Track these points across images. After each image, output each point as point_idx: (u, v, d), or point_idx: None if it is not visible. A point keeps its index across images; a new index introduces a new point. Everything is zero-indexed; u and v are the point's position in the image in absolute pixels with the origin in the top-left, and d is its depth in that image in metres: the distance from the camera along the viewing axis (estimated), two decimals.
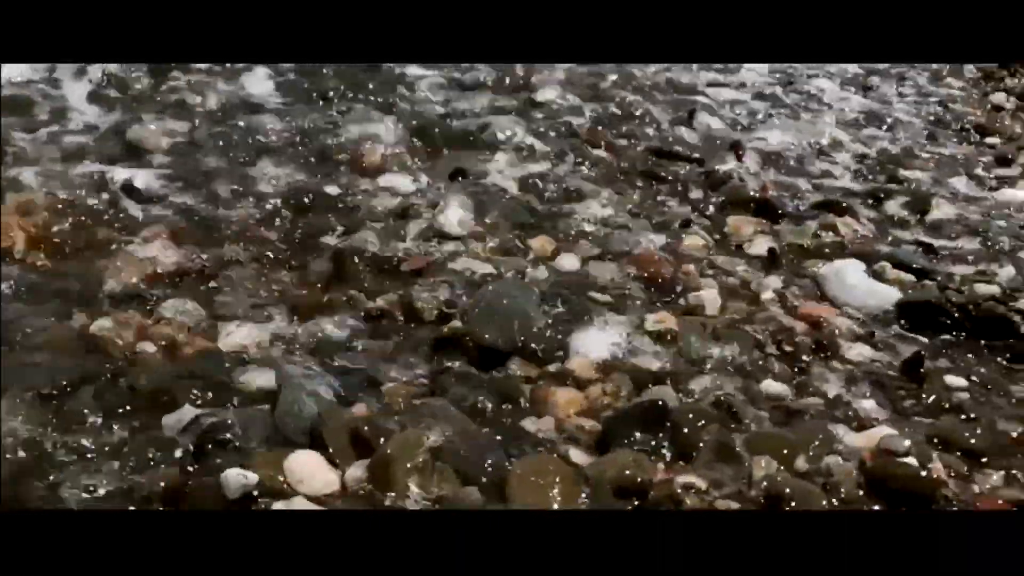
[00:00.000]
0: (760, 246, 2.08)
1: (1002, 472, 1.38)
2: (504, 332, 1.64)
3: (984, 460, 1.42)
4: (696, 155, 2.56)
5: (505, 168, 2.39)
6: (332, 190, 2.22)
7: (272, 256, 1.97)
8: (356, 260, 1.92)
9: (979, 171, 2.57)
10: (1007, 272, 1.96)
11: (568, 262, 1.98)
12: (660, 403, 1.47)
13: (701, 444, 1.40)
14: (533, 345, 1.65)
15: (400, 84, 2.90)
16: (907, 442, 1.39)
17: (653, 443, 1.41)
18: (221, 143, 2.43)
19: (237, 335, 1.69)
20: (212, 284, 1.85)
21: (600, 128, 2.69)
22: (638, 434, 1.42)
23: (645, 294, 1.86)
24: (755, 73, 3.27)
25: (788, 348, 1.70)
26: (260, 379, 1.53)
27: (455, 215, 2.08)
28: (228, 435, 1.38)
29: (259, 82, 2.82)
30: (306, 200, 2.19)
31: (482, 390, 1.52)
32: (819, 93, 3.18)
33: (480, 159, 2.44)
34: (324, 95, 2.77)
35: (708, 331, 1.73)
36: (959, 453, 1.41)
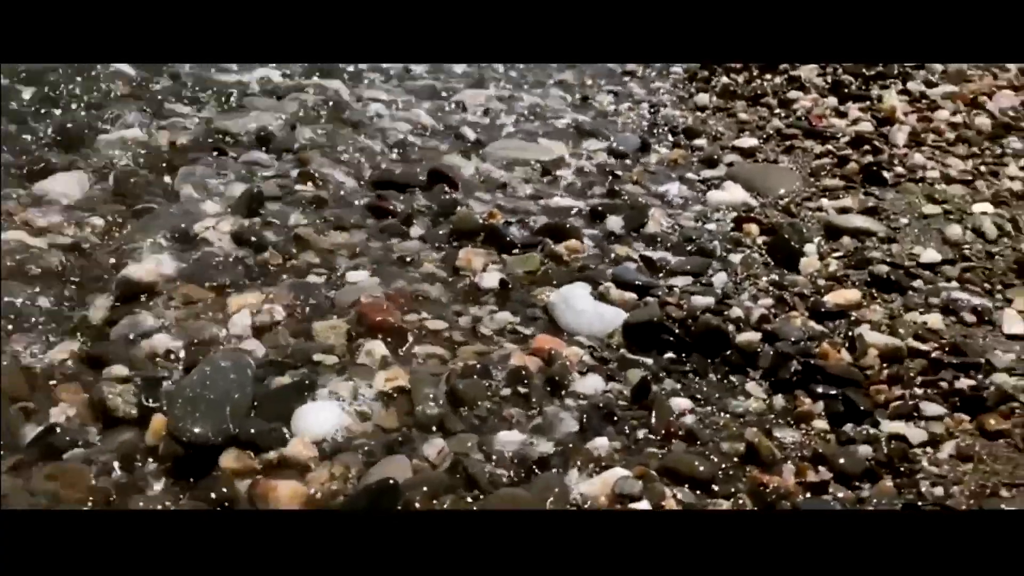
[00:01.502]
0: (492, 278, 2.02)
1: (730, 499, 1.40)
2: (212, 422, 1.45)
3: (714, 488, 1.43)
4: (421, 179, 2.47)
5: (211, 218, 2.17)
6: None
7: None
8: None
9: (690, 175, 2.67)
10: (720, 278, 2.03)
11: (287, 322, 1.82)
12: (391, 482, 1.35)
13: None
14: (251, 431, 1.47)
15: None
16: (639, 485, 1.36)
17: None
18: None
19: None
20: None
21: (314, 162, 2.54)
22: None
23: (376, 349, 1.74)
24: (474, 89, 3.26)
25: (523, 389, 1.65)
26: None
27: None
28: None
29: None
30: None
31: (185, 503, 1.33)
32: (539, 108, 3.20)
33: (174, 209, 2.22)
34: None
35: (443, 382, 1.64)
36: (687, 485, 1.42)
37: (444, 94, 3.27)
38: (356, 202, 2.37)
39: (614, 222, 2.29)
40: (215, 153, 2.55)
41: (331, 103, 3.00)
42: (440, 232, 2.21)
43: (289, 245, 2.10)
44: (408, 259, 2.10)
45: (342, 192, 2.42)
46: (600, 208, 2.35)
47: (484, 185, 2.52)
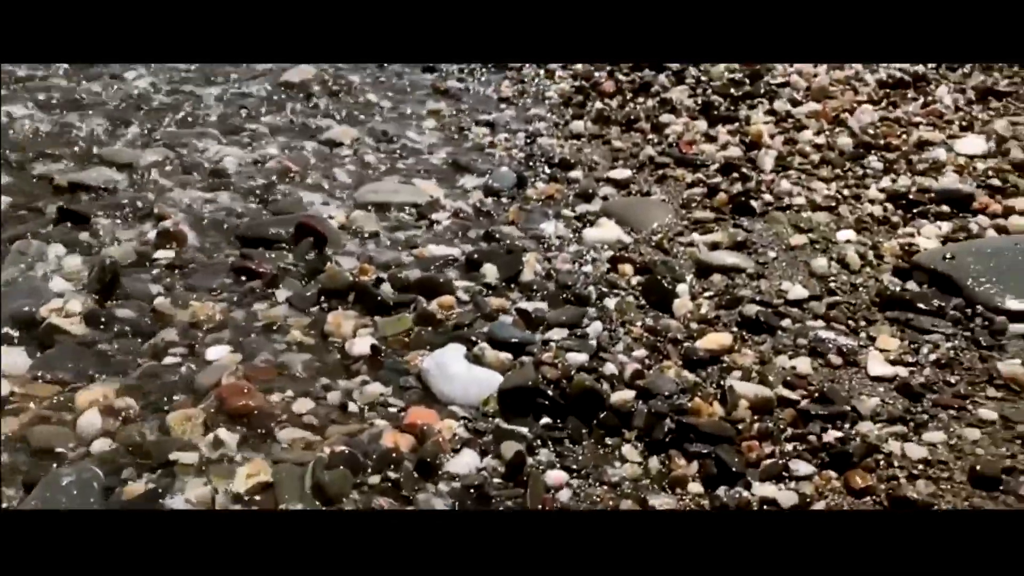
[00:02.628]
0: (363, 344, 1.93)
1: None
2: None
3: None
4: (289, 233, 2.36)
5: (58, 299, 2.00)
6: None
7: None
8: None
9: (566, 211, 2.64)
10: (595, 328, 2.00)
11: (141, 415, 1.69)
12: None
13: None
14: None
15: None
16: None
17: None
18: None
19: None
20: None
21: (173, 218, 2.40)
22: None
23: (235, 441, 1.63)
24: (344, 126, 3.16)
25: (394, 475, 1.57)
26: None
27: None
28: None
29: None
30: None
31: None
32: (413, 143, 3.12)
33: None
34: None
35: (308, 474, 1.55)
36: None
37: (314, 132, 3.16)
38: (221, 261, 2.25)
39: (490, 271, 2.22)
40: (58, 215, 2.37)
41: (189, 149, 2.85)
42: (309, 293, 2.11)
43: (146, 322, 1.96)
44: (274, 327, 1.99)
45: (204, 252, 2.28)
46: (475, 256, 2.28)
47: (355, 235, 2.42)
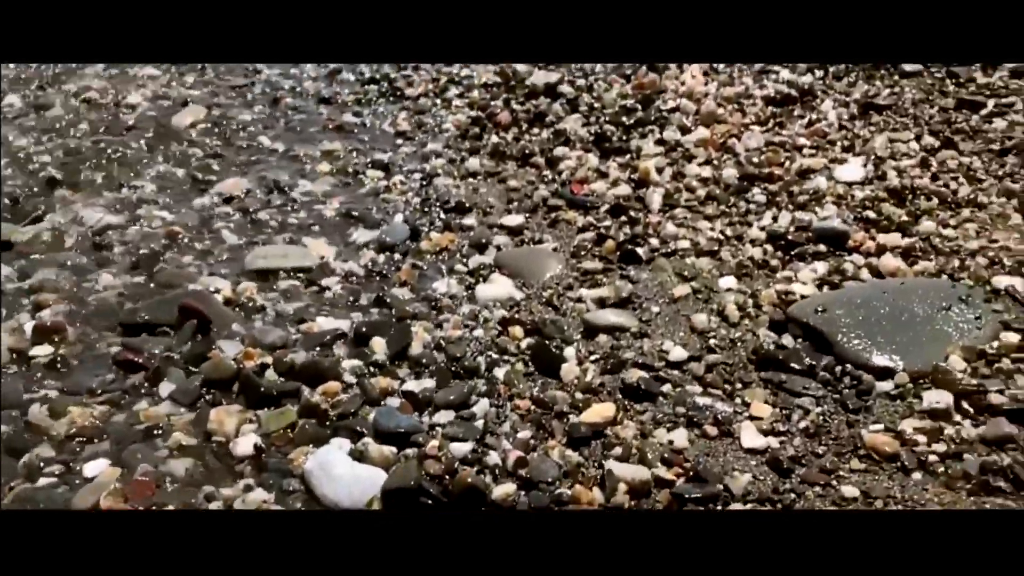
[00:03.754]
0: (246, 444, 1.89)
1: None
2: None
3: None
4: (173, 315, 2.29)
5: None
6: None
7: None
8: None
9: (459, 265, 2.61)
10: (482, 406, 1.99)
11: None
12: None
13: None
14: None
15: None
16: None
17: None
18: None
19: None
20: None
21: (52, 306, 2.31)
22: None
23: None
24: (235, 178, 3.07)
25: None
26: None
27: None
28: None
29: None
30: None
31: None
32: (306, 192, 3.05)
33: None
34: None
35: None
36: None
37: (203, 185, 3.07)
38: (103, 353, 2.17)
39: (378, 345, 2.19)
40: None
41: (67, 218, 2.74)
42: (192, 386, 2.06)
43: (21, 437, 1.89)
44: (156, 430, 1.94)
45: (86, 344, 2.20)
46: (364, 329, 2.25)
47: (241, 312, 2.36)
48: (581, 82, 3.84)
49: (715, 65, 4.09)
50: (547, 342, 2.21)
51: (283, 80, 4.16)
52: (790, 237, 2.61)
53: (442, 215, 2.92)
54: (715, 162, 3.15)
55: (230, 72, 4.20)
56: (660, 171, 3.08)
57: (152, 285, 2.48)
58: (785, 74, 3.97)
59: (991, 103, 3.52)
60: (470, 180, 3.18)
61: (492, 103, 3.75)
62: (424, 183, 3.14)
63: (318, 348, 2.20)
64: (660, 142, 3.30)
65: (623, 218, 2.80)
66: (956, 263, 2.46)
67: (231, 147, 3.39)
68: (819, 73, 4.09)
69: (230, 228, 2.78)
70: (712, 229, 2.73)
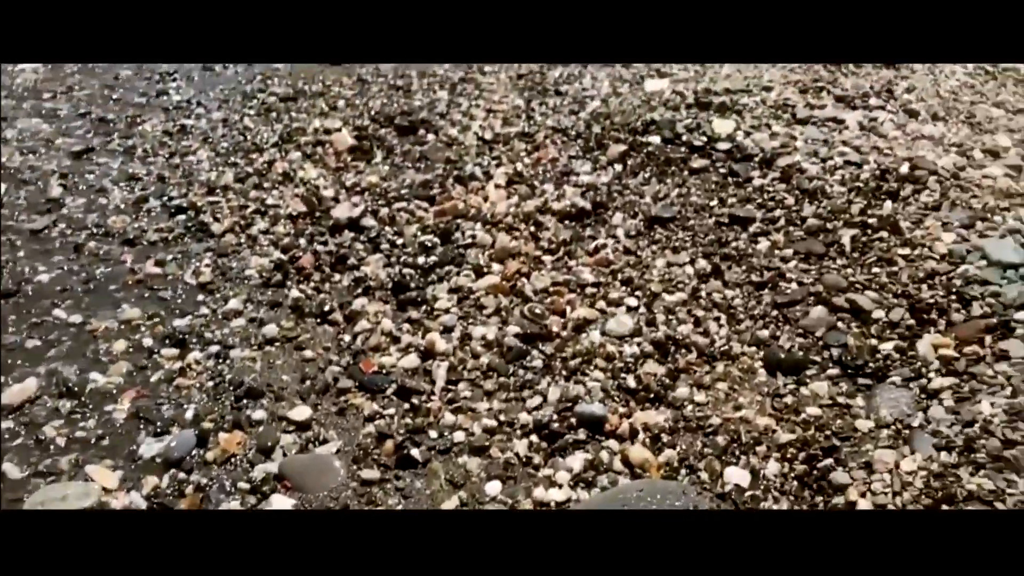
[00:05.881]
0: None
1: None
2: None
3: None
4: None
5: None
6: None
7: None
8: None
9: (242, 482, 2.63)
10: None
11: None
12: None
13: None
14: None
15: None
16: None
17: None
18: None
19: None
20: None
21: None
22: None
23: None
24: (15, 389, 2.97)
25: None
26: None
27: None
28: None
29: None
30: None
31: None
32: (96, 390, 2.99)
33: None
34: None
35: None
36: None
37: None
38: None
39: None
40: None
41: None
42: None
43: None
44: None
45: None
46: None
47: None
48: (384, 211, 3.85)
49: (520, 171, 4.17)
50: None
51: (87, 215, 4.00)
52: (554, 426, 2.73)
53: (234, 402, 2.92)
54: (503, 312, 3.24)
55: (29, 210, 4.01)
56: (449, 330, 3.15)
57: None
58: (585, 177, 4.09)
59: (759, 214, 3.73)
60: (267, 349, 3.18)
61: (297, 241, 3.73)
62: (220, 358, 3.11)
63: None
64: (453, 290, 3.36)
65: (407, 405, 2.87)
66: (699, 445, 2.64)
67: (24, 325, 3.26)
68: (618, 168, 4.24)
69: (10, 459, 2.71)
70: (489, 410, 2.83)
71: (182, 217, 3.98)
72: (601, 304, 3.25)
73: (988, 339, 2.82)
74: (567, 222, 3.81)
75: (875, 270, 3.25)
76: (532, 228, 3.74)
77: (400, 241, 3.65)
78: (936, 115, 4.75)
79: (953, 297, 3.03)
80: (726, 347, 3.02)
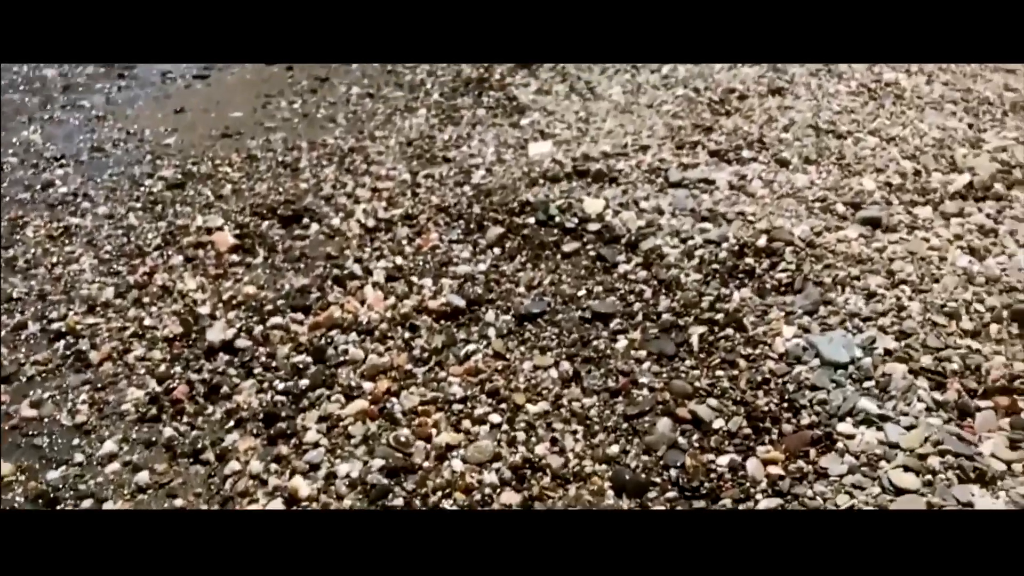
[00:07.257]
0: None
1: None
2: None
3: None
4: None
5: None
6: None
7: None
8: None
9: None
10: None
11: None
12: None
13: None
14: None
15: None
16: None
17: None
18: None
19: None
20: None
21: None
22: None
23: None
24: None
25: None
26: None
27: None
28: None
29: None
30: None
31: None
32: None
33: None
34: None
35: None
36: None
37: None
38: None
39: None
40: None
41: None
42: None
43: None
44: None
45: None
46: None
47: None
48: (258, 330, 3.87)
49: (400, 264, 4.22)
50: None
51: None
52: None
53: None
54: (370, 441, 3.30)
55: None
56: (316, 468, 3.21)
57: None
58: (463, 267, 4.16)
59: (620, 307, 3.82)
60: (140, 498, 3.21)
61: (172, 368, 3.74)
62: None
63: None
64: (323, 418, 3.42)
65: None
66: None
67: None
68: (496, 251, 4.31)
69: None
70: None
71: (60, 344, 3.96)
72: (466, 423, 3.33)
73: (813, 452, 2.96)
74: (442, 322, 3.87)
75: (719, 373, 3.37)
76: (407, 334, 3.80)
77: (273, 364, 3.69)
78: (808, 159, 4.88)
79: (786, 405, 3.16)
80: (578, 467, 3.12)
